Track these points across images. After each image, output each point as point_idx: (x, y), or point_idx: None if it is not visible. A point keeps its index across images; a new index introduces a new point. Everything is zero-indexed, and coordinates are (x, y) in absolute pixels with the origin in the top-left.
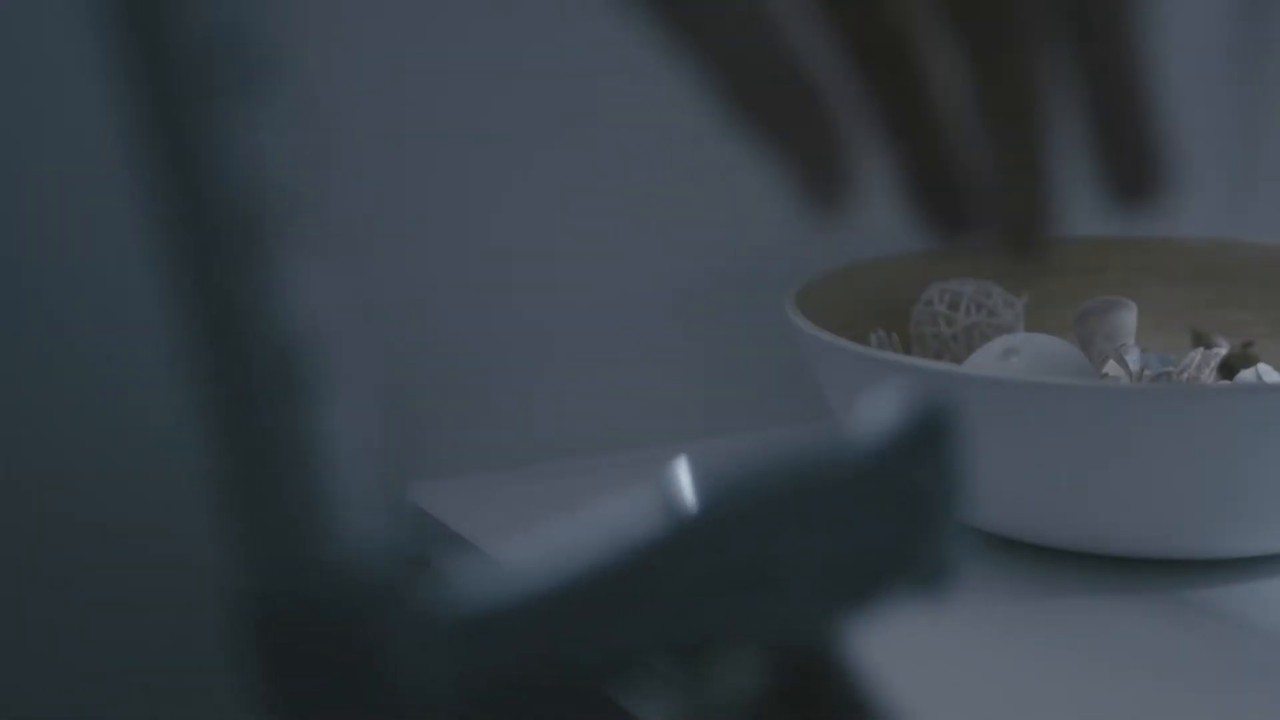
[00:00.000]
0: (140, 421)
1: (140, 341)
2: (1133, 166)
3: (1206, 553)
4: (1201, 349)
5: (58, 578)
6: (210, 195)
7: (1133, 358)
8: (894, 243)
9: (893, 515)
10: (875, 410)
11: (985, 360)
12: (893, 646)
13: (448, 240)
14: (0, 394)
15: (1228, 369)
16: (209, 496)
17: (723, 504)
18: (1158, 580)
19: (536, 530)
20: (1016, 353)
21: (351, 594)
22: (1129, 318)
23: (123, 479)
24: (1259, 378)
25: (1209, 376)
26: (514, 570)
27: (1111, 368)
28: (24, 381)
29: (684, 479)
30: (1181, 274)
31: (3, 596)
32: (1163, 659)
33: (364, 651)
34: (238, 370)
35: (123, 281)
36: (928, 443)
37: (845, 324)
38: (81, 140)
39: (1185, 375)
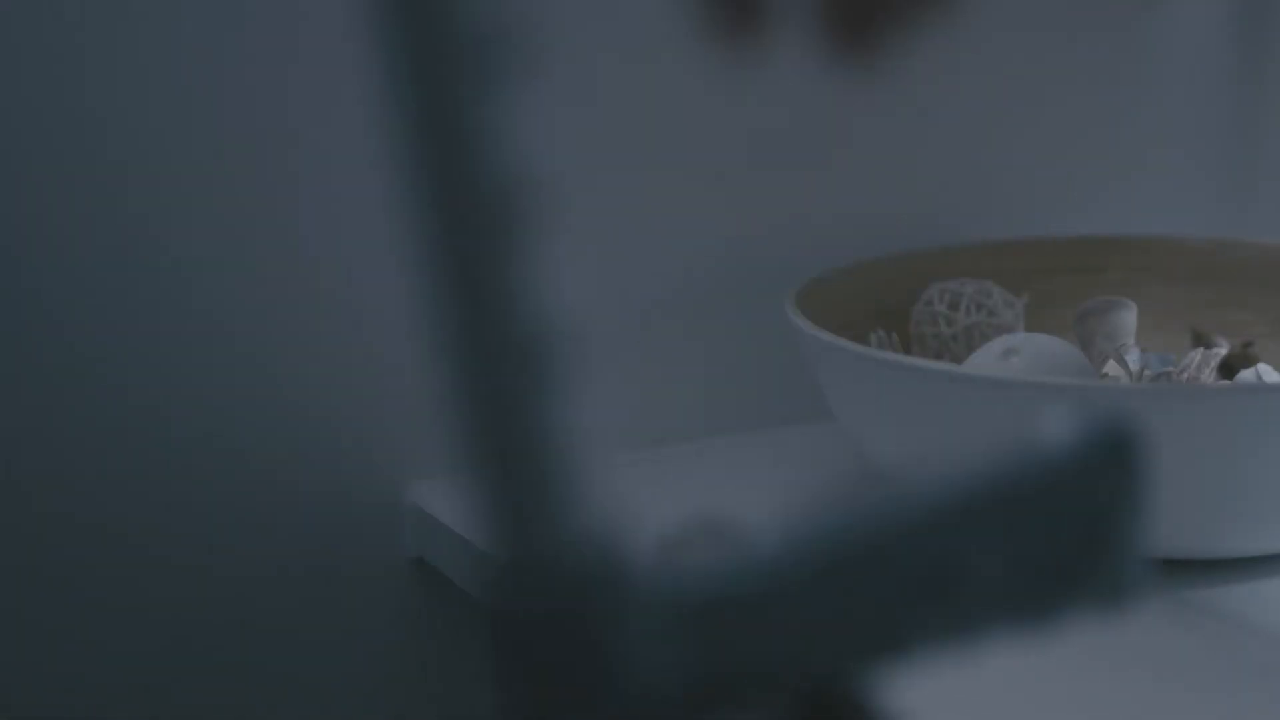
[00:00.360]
0: (140, 421)
1: (139, 340)
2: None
3: (1206, 553)
4: (1201, 349)
5: (58, 578)
6: (475, 183)
7: (1133, 358)
8: (894, 243)
9: (1075, 532)
10: (1060, 425)
11: (985, 360)
12: None
13: None
14: (1, 394)
15: (1228, 369)
16: (206, 497)
17: (918, 509)
18: (1158, 580)
19: (750, 516)
20: (1016, 353)
21: (588, 578)
22: (1129, 318)
23: (123, 479)
24: (1259, 378)
25: (1209, 376)
26: (734, 560)
27: (1111, 368)
28: (24, 381)
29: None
30: (1181, 274)
31: (3, 596)
32: (1163, 659)
33: (595, 635)
34: (491, 355)
35: (121, 278)
36: (1113, 461)
37: (845, 324)
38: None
39: (1185, 375)
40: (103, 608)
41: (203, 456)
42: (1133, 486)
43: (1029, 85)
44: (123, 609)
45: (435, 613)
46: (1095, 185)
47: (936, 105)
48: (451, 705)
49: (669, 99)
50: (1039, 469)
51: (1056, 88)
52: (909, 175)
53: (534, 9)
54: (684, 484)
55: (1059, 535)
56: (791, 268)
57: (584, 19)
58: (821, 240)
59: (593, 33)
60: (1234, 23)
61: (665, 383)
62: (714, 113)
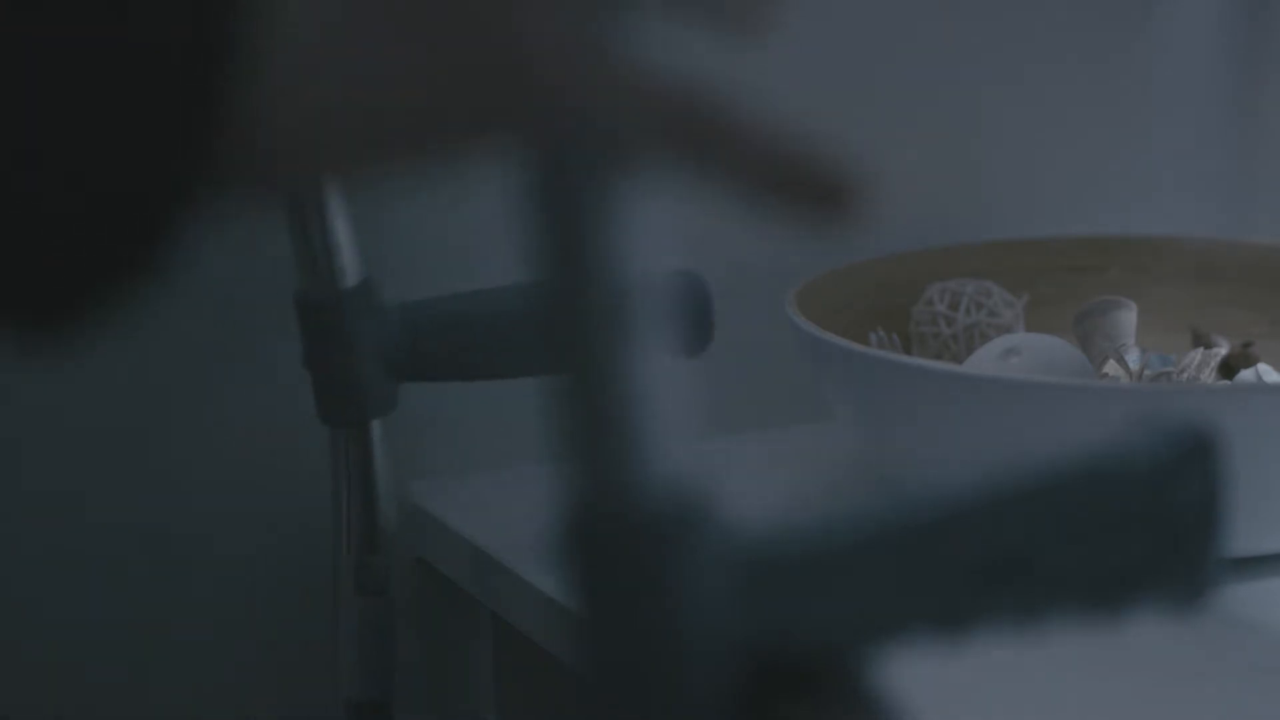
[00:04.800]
0: (141, 420)
1: (139, 337)
2: (805, 192)
3: None
4: (1201, 349)
5: (60, 578)
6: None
7: (1133, 358)
8: (894, 243)
9: (1153, 531)
10: (1143, 430)
11: (985, 360)
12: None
13: (446, 240)
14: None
15: (1228, 369)
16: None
17: (992, 498)
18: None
19: (829, 491)
20: (1016, 353)
21: (656, 521)
22: (1129, 318)
23: (123, 477)
24: (1259, 378)
25: (1209, 376)
26: (800, 526)
27: (1111, 368)
28: (25, 379)
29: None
30: (1181, 274)
31: (2, 596)
32: (1163, 659)
33: (659, 574)
34: (577, 308)
35: None
36: (1193, 465)
37: (845, 324)
38: None
39: (1185, 375)
40: (102, 604)
41: (204, 457)
42: (1212, 490)
43: (1029, 87)
44: (120, 605)
45: (435, 613)
46: (1095, 185)
47: (936, 106)
48: (451, 703)
49: None
50: (1117, 467)
51: (1057, 89)
52: (909, 175)
53: None
54: None
55: (1135, 533)
56: (791, 268)
57: None
58: (821, 240)
59: None
60: (1234, 25)
61: None
62: None
